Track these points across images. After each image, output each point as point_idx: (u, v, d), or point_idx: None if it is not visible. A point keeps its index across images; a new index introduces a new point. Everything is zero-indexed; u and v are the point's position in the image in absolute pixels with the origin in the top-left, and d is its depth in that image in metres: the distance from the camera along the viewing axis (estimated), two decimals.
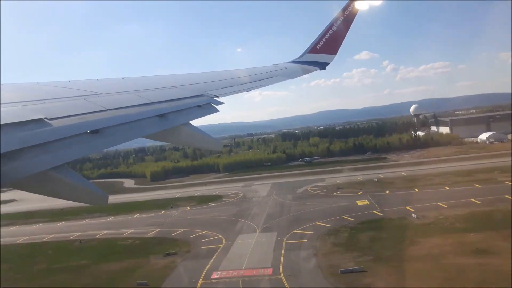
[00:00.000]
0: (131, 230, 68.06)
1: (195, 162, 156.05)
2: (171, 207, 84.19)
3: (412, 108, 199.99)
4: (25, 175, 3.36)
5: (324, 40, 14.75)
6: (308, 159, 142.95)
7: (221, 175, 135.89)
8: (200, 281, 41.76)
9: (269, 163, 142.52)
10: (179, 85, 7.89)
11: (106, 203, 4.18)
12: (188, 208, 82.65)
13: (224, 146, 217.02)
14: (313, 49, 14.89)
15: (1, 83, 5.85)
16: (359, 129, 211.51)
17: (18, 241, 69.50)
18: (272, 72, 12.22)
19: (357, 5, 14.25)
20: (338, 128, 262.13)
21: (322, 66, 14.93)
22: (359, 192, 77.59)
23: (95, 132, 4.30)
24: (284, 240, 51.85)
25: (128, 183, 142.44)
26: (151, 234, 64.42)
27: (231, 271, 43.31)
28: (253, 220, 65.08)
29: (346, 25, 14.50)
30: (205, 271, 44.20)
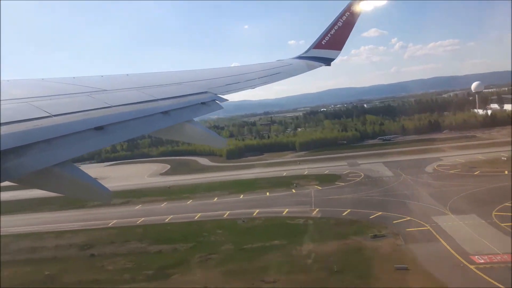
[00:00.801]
0: (287, 209, 65.28)
1: (264, 140, 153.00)
2: (295, 186, 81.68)
3: (474, 85, 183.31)
4: (30, 171, 3.38)
5: (329, 36, 14.70)
6: (387, 137, 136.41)
7: (301, 153, 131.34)
8: (471, 265, 39.28)
9: (345, 142, 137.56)
10: (183, 81, 7.89)
11: (109, 199, 4.20)
12: (318, 187, 79.18)
13: (262, 125, 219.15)
14: (318, 45, 14.84)
15: (7, 79, 5.89)
16: (409, 107, 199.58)
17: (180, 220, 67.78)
18: (277, 69, 12.19)
19: (361, 5, 14.20)
20: (367, 106, 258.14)
21: (327, 62, 14.89)
22: (505, 171, 72.42)
23: (99, 128, 4.31)
24: (498, 221, 49.16)
25: (203, 161, 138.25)
26: (314, 213, 61.74)
27: (493, 256, 40.58)
28: (421, 200, 61.77)
29: (351, 21, 14.43)
30: (457, 255, 41.72)
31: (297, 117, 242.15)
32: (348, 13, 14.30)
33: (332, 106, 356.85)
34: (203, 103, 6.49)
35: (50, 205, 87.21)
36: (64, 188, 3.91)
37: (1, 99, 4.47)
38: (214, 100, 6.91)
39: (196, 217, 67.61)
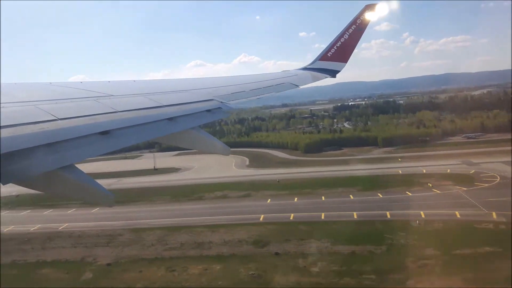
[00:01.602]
0: (456, 211, 58.66)
1: (336, 135, 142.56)
2: (431, 186, 73.27)
3: None
4: (35, 173, 3.38)
5: (335, 48, 14.79)
6: (471, 135, 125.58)
7: (388, 149, 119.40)
8: None
9: (427, 138, 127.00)
10: (189, 89, 7.93)
11: (112, 203, 4.19)
12: (462, 188, 70.82)
13: (304, 117, 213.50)
14: (324, 57, 14.92)
15: (14, 82, 5.94)
16: (453, 103, 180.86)
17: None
18: (282, 79, 12.24)
19: (368, 17, 14.29)
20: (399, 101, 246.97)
21: (333, 73, 14.96)
22: None
23: (104, 133, 4.32)
24: None
25: (279, 154, 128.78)
26: (494, 217, 55.17)
27: None
28: None
29: (357, 34, 14.52)
30: None
31: (324, 111, 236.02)
32: (355, 26, 14.40)
33: (351, 100, 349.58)
34: (208, 111, 6.51)
35: (168, 196, 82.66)
36: (68, 191, 3.91)
37: (9, 101, 4.50)
38: (220, 108, 6.93)
39: (354, 216, 60.69)
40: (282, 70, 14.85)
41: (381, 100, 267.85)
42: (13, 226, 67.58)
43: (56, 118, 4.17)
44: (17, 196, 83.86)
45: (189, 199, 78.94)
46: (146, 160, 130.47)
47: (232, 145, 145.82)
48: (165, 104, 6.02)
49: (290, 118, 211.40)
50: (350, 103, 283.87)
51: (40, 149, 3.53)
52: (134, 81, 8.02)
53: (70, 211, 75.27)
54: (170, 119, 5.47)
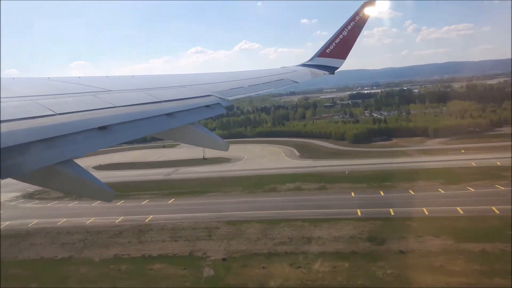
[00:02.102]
0: None
1: (382, 124, 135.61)
2: None
3: None
4: (33, 168, 3.39)
5: (334, 44, 14.78)
6: None
7: (442, 140, 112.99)
8: None
9: (477, 129, 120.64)
10: (188, 84, 7.93)
11: (112, 199, 4.20)
12: None
13: (328, 106, 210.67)
14: (322, 53, 14.92)
15: (13, 77, 5.93)
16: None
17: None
18: (281, 75, 12.23)
19: (367, 11, 14.25)
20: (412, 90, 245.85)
21: (331, 70, 14.96)
22: None
23: (103, 128, 4.33)
24: None
25: (326, 144, 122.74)
26: None
27: None
28: None
29: (356, 30, 14.51)
30: None
31: (340, 99, 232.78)
32: (354, 23, 14.38)
33: (359, 88, 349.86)
34: (207, 106, 6.52)
35: (239, 187, 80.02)
36: (66, 187, 3.93)
37: (7, 96, 4.50)
38: (218, 103, 6.93)
39: (459, 211, 56.78)
40: (281, 67, 14.85)
41: (397, 89, 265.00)
42: (94, 218, 66.15)
43: (54, 113, 4.18)
44: None
45: (263, 191, 76.12)
46: (187, 149, 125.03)
47: (267, 134, 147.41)
48: (163, 99, 6.02)
49: (312, 107, 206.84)
50: (365, 91, 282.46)
51: (38, 144, 3.54)
52: (133, 76, 8.02)
53: (144, 202, 74.28)
54: (169, 114, 5.47)
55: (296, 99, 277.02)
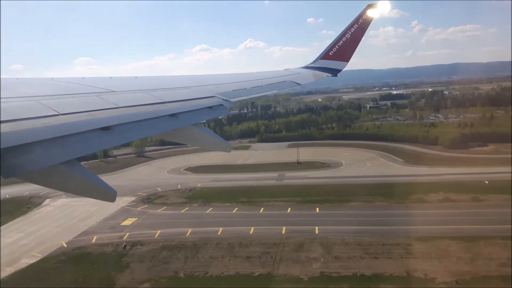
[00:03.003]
0: None
1: (466, 129, 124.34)
2: None
3: None
4: (37, 168, 3.39)
5: (337, 47, 14.77)
6: None
7: None
8: None
9: None
10: (191, 85, 7.93)
11: (114, 199, 4.19)
12: None
13: (373, 107, 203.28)
14: (325, 56, 14.91)
15: (16, 77, 5.95)
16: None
17: None
18: (284, 77, 12.24)
19: (370, 14, 14.24)
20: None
21: (334, 72, 14.94)
22: None
23: (106, 129, 4.32)
24: None
25: (417, 149, 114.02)
26: None
27: None
28: None
29: (360, 33, 14.49)
30: None
31: (372, 100, 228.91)
32: (357, 25, 14.36)
33: (377, 88, 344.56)
34: (210, 107, 6.52)
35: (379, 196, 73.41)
36: (69, 187, 3.92)
37: (11, 96, 4.50)
38: (221, 104, 6.93)
39: None
40: (284, 69, 14.86)
41: (429, 90, 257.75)
42: (253, 227, 60.24)
43: (57, 113, 4.18)
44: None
45: (411, 202, 68.90)
46: (262, 152, 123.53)
47: (335, 137, 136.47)
48: (166, 100, 6.02)
49: (358, 108, 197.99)
50: (394, 92, 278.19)
51: (41, 144, 3.54)
52: (136, 77, 8.03)
53: (289, 211, 67.75)
54: (172, 115, 5.47)
55: (320, 99, 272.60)
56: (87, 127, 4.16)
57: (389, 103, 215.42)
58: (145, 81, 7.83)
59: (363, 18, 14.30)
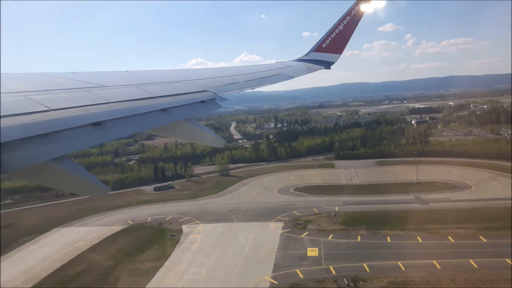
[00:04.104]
0: None
1: None
2: None
3: None
4: (27, 165, 3.37)
5: (330, 39, 14.74)
6: None
7: None
8: None
9: None
10: (183, 80, 7.89)
11: (107, 196, 4.19)
12: None
13: (420, 121, 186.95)
14: (318, 48, 14.88)
15: (5, 72, 5.87)
16: None
17: None
18: (277, 70, 12.20)
19: (362, 8, 14.22)
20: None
21: (327, 65, 14.92)
22: None
23: (97, 124, 4.30)
24: None
25: None
26: None
27: None
28: None
29: (352, 25, 14.47)
30: None
31: (401, 113, 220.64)
32: (349, 17, 14.33)
33: (387, 102, 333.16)
34: (202, 102, 6.49)
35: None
36: (61, 183, 3.91)
37: (0, 92, 4.45)
38: (214, 99, 6.91)
39: None
40: (276, 61, 14.79)
41: (450, 104, 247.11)
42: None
43: (48, 109, 4.14)
44: None
45: None
46: (355, 170, 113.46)
47: (407, 154, 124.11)
48: (158, 95, 5.99)
49: (404, 122, 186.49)
50: (420, 106, 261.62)
51: (32, 140, 3.51)
52: (127, 71, 7.96)
53: None
54: (164, 110, 5.45)
55: (338, 112, 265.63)
56: (78, 123, 4.14)
57: (427, 116, 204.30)
58: (136, 76, 7.77)
59: (356, 10, 14.28)
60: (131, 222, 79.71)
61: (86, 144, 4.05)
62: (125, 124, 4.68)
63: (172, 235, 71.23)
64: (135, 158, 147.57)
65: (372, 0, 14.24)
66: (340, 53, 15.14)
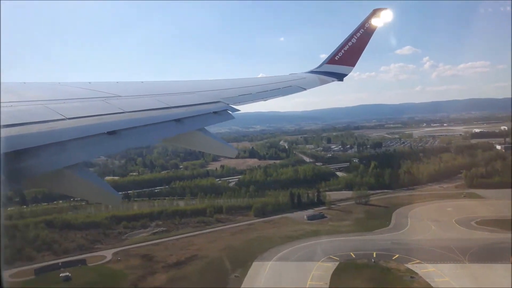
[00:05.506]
0: None
1: None
2: None
3: None
4: (43, 171, 3.41)
5: (343, 51, 14.73)
6: None
7: None
8: None
9: None
10: (196, 91, 7.95)
11: (119, 203, 4.22)
12: None
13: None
14: (331, 60, 14.88)
15: (24, 81, 6.00)
16: None
17: None
18: (289, 82, 12.22)
19: (374, 22, 14.25)
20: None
21: (340, 77, 14.88)
22: None
23: (112, 133, 4.34)
24: None
25: None
26: None
27: None
28: None
29: (365, 38, 14.47)
30: None
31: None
32: (363, 30, 14.35)
33: (425, 124, 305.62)
34: (215, 113, 6.52)
35: None
36: (75, 190, 3.94)
37: (18, 100, 4.54)
38: (226, 110, 6.94)
39: None
40: (290, 73, 14.82)
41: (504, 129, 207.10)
42: None
43: (64, 117, 4.21)
44: None
45: None
46: (500, 201, 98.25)
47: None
48: (172, 105, 6.04)
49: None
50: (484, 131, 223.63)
51: (48, 147, 3.56)
52: (142, 82, 8.07)
53: None
54: (177, 120, 5.48)
55: (386, 134, 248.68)
56: (94, 131, 4.19)
57: (502, 141, 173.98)
58: (150, 86, 7.87)
59: (369, 23, 14.29)
60: (353, 255, 70.46)
61: (101, 152, 4.09)
62: (139, 134, 4.73)
63: (411, 277, 61.71)
64: (233, 180, 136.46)
65: (382, 13, 14.25)
66: (353, 65, 15.11)
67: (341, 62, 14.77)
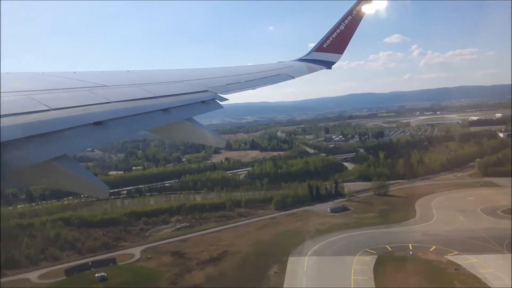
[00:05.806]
0: None
1: None
2: None
3: None
4: (28, 164, 3.37)
5: (331, 39, 14.69)
6: None
7: None
8: None
9: None
10: (184, 80, 7.89)
11: (106, 196, 4.19)
12: None
13: None
14: (319, 48, 14.83)
15: (7, 72, 5.88)
16: None
17: None
18: (278, 70, 12.18)
19: (364, 9, 14.19)
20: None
21: (328, 65, 14.86)
22: None
23: (98, 124, 4.30)
24: None
25: None
26: None
27: None
28: None
29: (353, 25, 14.43)
30: None
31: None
32: (350, 17, 14.30)
33: (418, 113, 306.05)
34: (203, 102, 6.49)
35: None
36: (61, 183, 3.90)
37: (1, 91, 4.46)
38: (214, 99, 6.91)
39: None
40: (277, 61, 14.75)
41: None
42: None
43: (49, 108, 4.15)
44: None
45: None
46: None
47: None
48: (159, 95, 5.99)
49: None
50: (481, 118, 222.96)
51: (33, 139, 3.52)
52: (128, 71, 7.97)
53: None
54: (165, 110, 5.45)
55: (383, 124, 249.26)
56: (79, 122, 4.14)
57: (503, 128, 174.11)
58: (137, 75, 7.78)
59: (357, 10, 14.24)
60: (389, 248, 69.99)
61: (87, 144, 4.05)
62: (126, 124, 4.69)
63: (456, 269, 60.81)
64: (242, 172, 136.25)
65: (373, 0, 14.21)
66: (341, 53, 15.09)
67: (329, 49, 14.74)
